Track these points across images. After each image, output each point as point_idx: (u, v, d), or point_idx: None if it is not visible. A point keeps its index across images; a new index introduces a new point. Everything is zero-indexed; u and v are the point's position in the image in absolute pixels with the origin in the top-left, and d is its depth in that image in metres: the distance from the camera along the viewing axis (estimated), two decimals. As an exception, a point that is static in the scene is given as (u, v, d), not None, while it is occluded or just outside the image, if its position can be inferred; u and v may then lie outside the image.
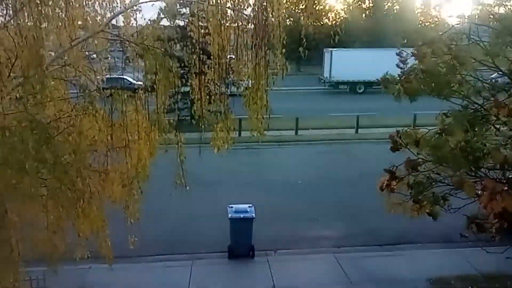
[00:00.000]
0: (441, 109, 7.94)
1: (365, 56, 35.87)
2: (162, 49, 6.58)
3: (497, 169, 7.61)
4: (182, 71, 7.46)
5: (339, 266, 11.68)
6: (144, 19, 6.79)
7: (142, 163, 6.86)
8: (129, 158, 6.54)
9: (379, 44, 43.35)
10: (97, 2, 6.53)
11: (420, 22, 48.61)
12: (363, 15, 55.63)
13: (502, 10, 7.99)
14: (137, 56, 6.89)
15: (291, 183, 17.98)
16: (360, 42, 49.29)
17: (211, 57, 6.86)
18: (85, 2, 6.42)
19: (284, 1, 6.50)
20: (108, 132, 6.28)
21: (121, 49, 7.58)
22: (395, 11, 53.84)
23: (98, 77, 7.06)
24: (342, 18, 55.42)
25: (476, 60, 7.56)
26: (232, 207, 12.47)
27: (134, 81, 8.83)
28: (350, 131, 24.85)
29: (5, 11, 5.76)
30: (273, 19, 6.44)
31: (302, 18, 6.88)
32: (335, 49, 37.97)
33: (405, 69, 7.69)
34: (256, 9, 6.48)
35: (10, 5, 5.86)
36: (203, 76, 7.27)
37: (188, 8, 7.71)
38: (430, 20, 46.81)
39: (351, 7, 56.32)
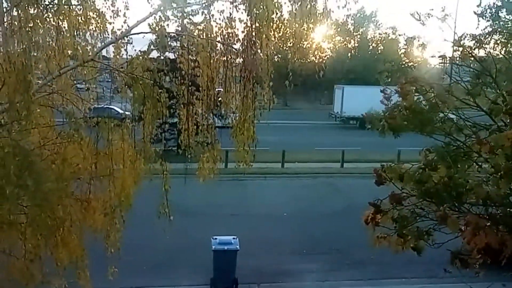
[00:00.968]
0: (425, 145, 7.86)
1: (375, 92, 35.31)
2: (151, 80, 6.53)
3: (480, 204, 7.51)
4: (170, 102, 7.35)
5: (324, 301, 11.49)
6: (135, 50, 6.74)
7: (125, 192, 6.68)
8: (112, 186, 6.35)
9: (364, 82, 43.92)
10: (88, 32, 6.46)
11: (403, 61, 49.54)
12: (349, 54, 56.68)
13: (482, 52, 8.06)
14: (126, 86, 6.86)
15: (276, 215, 17.76)
16: (346, 79, 49.92)
17: (200, 88, 7.03)
18: (76, 32, 6.35)
19: (273, 38, 6.47)
20: (93, 160, 6.12)
21: (109, 79, 7.59)
22: (379, 51, 54.95)
23: (85, 106, 6.91)
24: (328, 56, 56.30)
25: (458, 98, 7.62)
26: (216, 238, 12.19)
27: (122, 111, 8.82)
28: (335, 165, 24.80)
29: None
30: (261, 54, 6.44)
31: (289, 55, 6.80)
32: (347, 85, 38.12)
33: (389, 106, 7.70)
34: (245, 44, 6.47)
35: (1, 32, 5.92)
36: (191, 107, 7.25)
37: (178, 42, 7.67)
38: (413, 60, 47.81)
39: (337, 47, 57.36)
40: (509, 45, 8.07)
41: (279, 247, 14.62)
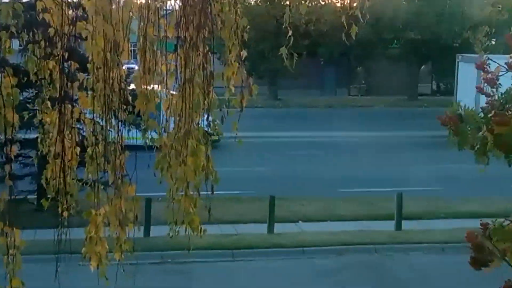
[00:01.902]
0: None
1: None
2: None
3: None
4: (23, 96, 5.34)
5: None
6: None
7: None
8: None
9: (438, 47, 40.88)
10: None
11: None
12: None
13: None
14: None
15: None
16: (401, 42, 46.04)
17: (90, 66, 5.61)
18: None
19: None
20: None
21: None
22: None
23: None
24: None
25: None
26: None
27: None
28: (383, 225, 19.11)
29: None
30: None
31: None
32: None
33: (494, 96, 5.72)
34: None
35: None
36: (69, 106, 5.75)
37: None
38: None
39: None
40: None
41: None
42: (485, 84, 5.87)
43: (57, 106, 5.49)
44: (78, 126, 5.75)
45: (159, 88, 5.59)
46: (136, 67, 6.00)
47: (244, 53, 5.37)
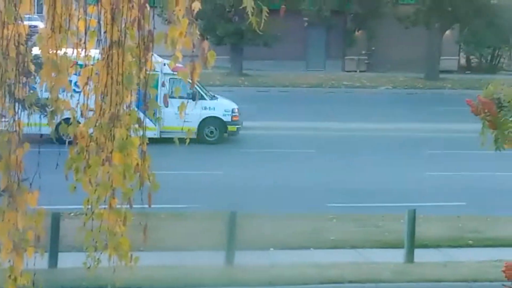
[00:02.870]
0: None
1: None
2: None
3: None
4: None
5: None
6: None
7: None
8: None
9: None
10: None
11: None
12: None
13: None
14: None
15: None
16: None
17: None
18: None
19: None
20: None
21: None
22: None
23: None
24: None
25: None
26: None
27: None
28: (388, 255, 19.93)
29: None
30: None
31: None
32: None
33: None
34: None
35: None
36: None
37: None
38: None
39: None
40: None
41: None
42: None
43: None
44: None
45: (74, 54, 5.69)
46: (42, 25, 6.08)
47: (197, 5, 5.44)
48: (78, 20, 5.61)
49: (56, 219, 16.48)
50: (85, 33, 5.61)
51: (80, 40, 5.66)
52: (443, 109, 38.58)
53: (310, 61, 50.36)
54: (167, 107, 5.91)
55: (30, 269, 5.77)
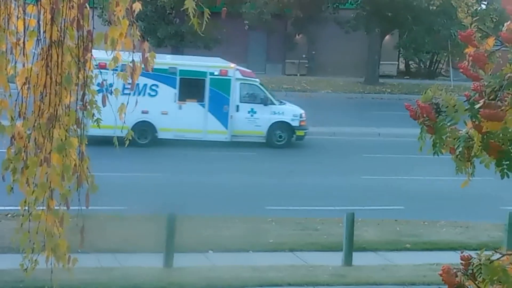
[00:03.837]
0: None
1: None
2: None
3: None
4: None
5: None
6: None
7: None
8: None
9: None
10: None
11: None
12: None
13: None
14: None
15: None
16: None
17: None
18: None
19: None
20: None
21: None
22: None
23: None
24: None
25: None
26: None
27: None
28: (327, 258, 19.79)
29: None
30: None
31: None
32: None
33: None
34: None
35: None
36: None
37: None
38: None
39: None
40: None
41: None
42: (471, 63, 6.09)
43: None
44: None
45: (13, 54, 5.57)
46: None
47: (137, 6, 5.41)
48: (17, 19, 5.54)
49: (-9, 220, 16.24)
50: (24, 33, 5.54)
51: (19, 40, 5.60)
52: (382, 113, 39.05)
53: (250, 64, 50.17)
54: (104, 106, 5.81)
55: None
